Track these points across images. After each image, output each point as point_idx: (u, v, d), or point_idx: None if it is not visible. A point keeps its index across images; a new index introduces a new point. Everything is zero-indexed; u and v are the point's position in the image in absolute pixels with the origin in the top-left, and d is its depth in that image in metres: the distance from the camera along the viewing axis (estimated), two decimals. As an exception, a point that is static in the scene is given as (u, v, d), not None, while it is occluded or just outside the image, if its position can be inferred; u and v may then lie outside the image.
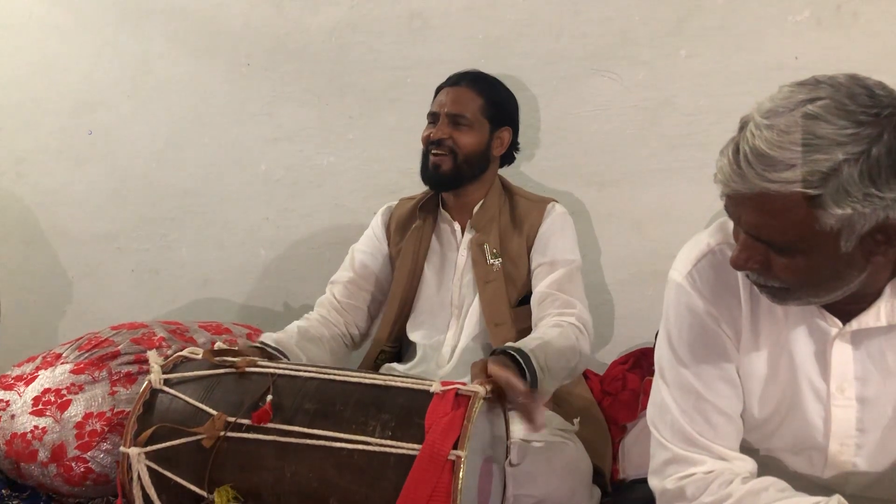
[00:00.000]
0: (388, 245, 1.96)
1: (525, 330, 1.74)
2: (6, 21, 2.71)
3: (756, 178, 0.91)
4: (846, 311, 1.07)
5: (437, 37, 2.26)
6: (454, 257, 1.88)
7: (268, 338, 1.69)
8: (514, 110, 1.92)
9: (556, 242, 1.81)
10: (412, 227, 1.90)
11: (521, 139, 1.95)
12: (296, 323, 1.84)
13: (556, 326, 1.64)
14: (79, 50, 2.65)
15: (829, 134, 0.88)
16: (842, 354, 1.09)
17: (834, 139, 0.87)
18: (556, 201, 1.89)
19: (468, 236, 1.86)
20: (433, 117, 1.86)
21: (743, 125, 0.96)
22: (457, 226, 1.89)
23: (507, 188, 1.93)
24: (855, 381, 1.09)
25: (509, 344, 1.45)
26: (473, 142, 1.81)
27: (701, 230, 1.21)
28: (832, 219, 0.89)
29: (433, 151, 1.82)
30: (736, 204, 0.97)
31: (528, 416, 1.32)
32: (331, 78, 2.39)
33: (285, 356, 1.64)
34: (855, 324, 1.06)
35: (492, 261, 1.81)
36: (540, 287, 1.77)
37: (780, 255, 0.96)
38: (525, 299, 1.82)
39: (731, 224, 1.14)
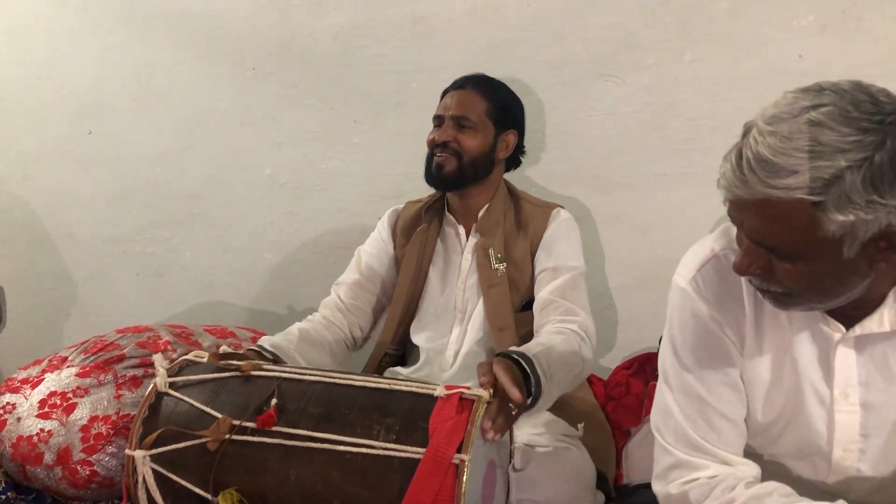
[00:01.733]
0: (394, 248, 1.96)
1: (527, 335, 1.74)
2: (12, 24, 2.73)
3: (759, 184, 0.91)
4: (849, 316, 1.07)
5: (441, 41, 2.27)
6: (458, 261, 1.88)
7: (265, 341, 1.69)
8: (519, 114, 1.92)
9: (560, 248, 1.81)
10: (417, 230, 1.91)
11: (525, 143, 1.95)
12: (297, 325, 1.84)
13: (558, 333, 1.63)
14: (84, 54, 2.66)
15: (832, 141, 0.88)
16: (845, 360, 1.09)
17: (837, 146, 0.87)
18: (562, 207, 1.89)
19: (473, 240, 1.87)
20: (438, 120, 1.86)
21: (746, 131, 0.96)
22: (461, 229, 1.89)
23: (512, 192, 1.93)
24: (858, 386, 1.09)
25: (513, 348, 1.45)
26: (478, 144, 1.81)
27: (705, 235, 1.21)
28: (835, 225, 0.89)
29: (437, 153, 1.82)
30: (739, 209, 0.97)
31: (497, 421, 1.25)
32: (335, 82, 2.40)
33: (282, 361, 1.64)
34: (858, 329, 1.06)
35: (496, 265, 1.81)
36: (543, 293, 1.77)
37: (782, 261, 0.97)
38: (528, 304, 1.82)
39: (734, 229, 1.15)
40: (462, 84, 1.87)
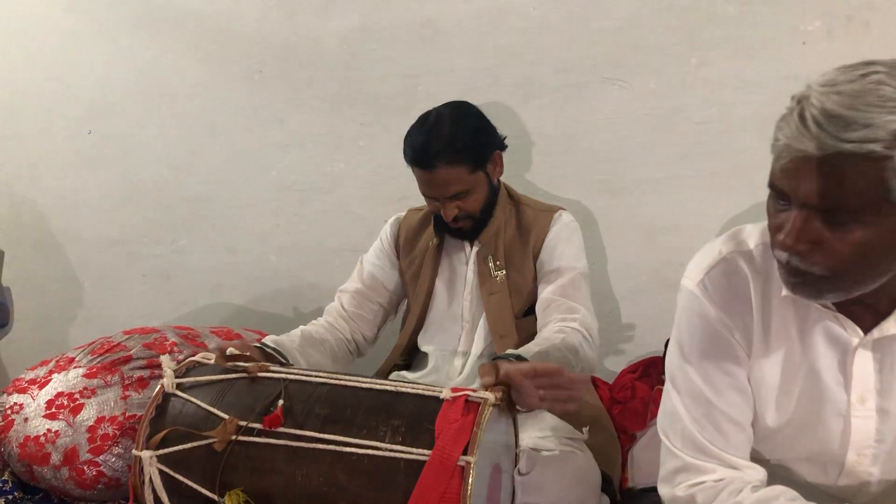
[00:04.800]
0: (398, 257, 1.96)
1: (531, 340, 1.73)
2: (21, 26, 2.74)
3: (830, 138, 0.88)
4: (863, 318, 1.06)
5: (448, 44, 2.28)
6: (464, 271, 1.88)
7: (269, 339, 1.70)
8: (487, 134, 1.79)
9: (561, 250, 1.80)
10: (429, 246, 1.90)
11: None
12: (301, 327, 1.85)
13: (559, 332, 1.63)
14: (92, 56, 2.68)
15: None
16: (864, 365, 1.08)
17: None
18: (564, 209, 1.88)
19: (476, 248, 1.86)
20: (431, 199, 1.79)
21: (802, 97, 0.93)
22: (465, 241, 1.89)
23: (513, 197, 1.91)
24: (875, 391, 1.09)
25: (510, 351, 1.45)
26: (481, 197, 1.78)
27: (711, 239, 1.21)
28: None
29: (451, 224, 1.79)
30: (796, 172, 0.93)
31: (562, 398, 1.31)
32: (342, 85, 2.41)
33: (284, 357, 1.65)
34: (876, 332, 1.06)
35: (496, 272, 1.81)
36: (544, 293, 1.76)
37: (837, 229, 0.94)
38: (531, 310, 1.82)
39: (743, 233, 1.15)
40: (430, 163, 1.71)
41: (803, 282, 1.01)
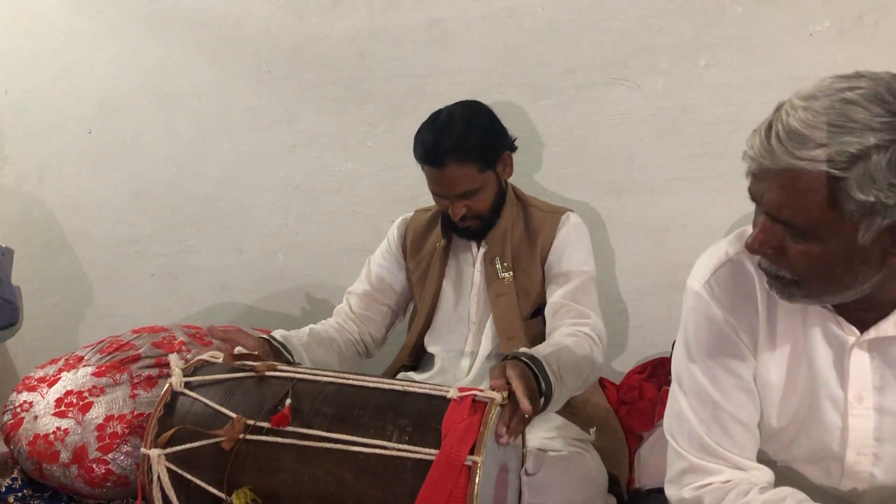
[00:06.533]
0: (405, 259, 1.96)
1: (538, 341, 1.72)
2: (30, 26, 2.75)
3: (785, 154, 0.91)
4: (863, 319, 1.07)
5: (456, 45, 2.28)
6: (471, 272, 1.88)
7: (277, 333, 1.70)
8: (498, 134, 1.79)
9: (570, 253, 1.80)
10: (436, 247, 1.90)
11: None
12: (310, 325, 1.85)
13: (570, 336, 1.63)
14: (101, 55, 2.69)
15: (862, 118, 0.89)
16: (860, 363, 1.09)
17: (867, 124, 0.88)
18: (571, 211, 1.87)
19: (483, 250, 1.86)
20: (440, 197, 1.79)
21: (778, 107, 0.96)
22: (472, 241, 1.89)
23: (520, 198, 1.90)
24: (873, 390, 1.09)
25: (523, 350, 1.44)
26: (489, 197, 1.77)
27: (718, 240, 1.21)
28: (854, 205, 0.89)
29: (459, 224, 1.79)
30: (761, 181, 0.97)
31: (511, 425, 1.27)
32: (350, 85, 2.41)
33: (289, 352, 1.65)
34: (873, 332, 1.06)
35: (503, 274, 1.81)
36: (554, 298, 1.76)
37: (796, 240, 0.97)
38: (538, 311, 1.82)
39: (749, 232, 1.15)
40: (440, 161, 1.70)
41: (775, 283, 1.04)
